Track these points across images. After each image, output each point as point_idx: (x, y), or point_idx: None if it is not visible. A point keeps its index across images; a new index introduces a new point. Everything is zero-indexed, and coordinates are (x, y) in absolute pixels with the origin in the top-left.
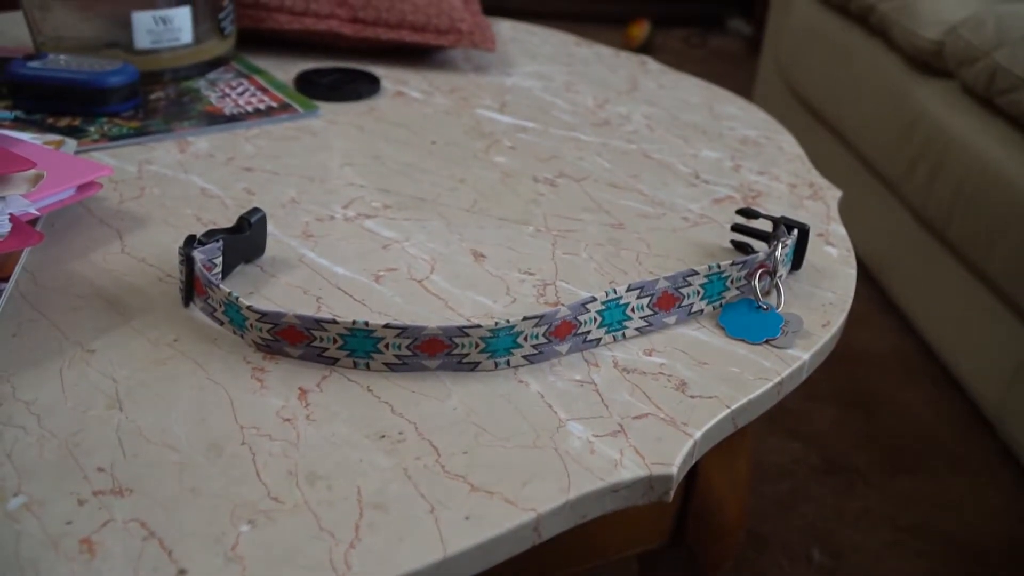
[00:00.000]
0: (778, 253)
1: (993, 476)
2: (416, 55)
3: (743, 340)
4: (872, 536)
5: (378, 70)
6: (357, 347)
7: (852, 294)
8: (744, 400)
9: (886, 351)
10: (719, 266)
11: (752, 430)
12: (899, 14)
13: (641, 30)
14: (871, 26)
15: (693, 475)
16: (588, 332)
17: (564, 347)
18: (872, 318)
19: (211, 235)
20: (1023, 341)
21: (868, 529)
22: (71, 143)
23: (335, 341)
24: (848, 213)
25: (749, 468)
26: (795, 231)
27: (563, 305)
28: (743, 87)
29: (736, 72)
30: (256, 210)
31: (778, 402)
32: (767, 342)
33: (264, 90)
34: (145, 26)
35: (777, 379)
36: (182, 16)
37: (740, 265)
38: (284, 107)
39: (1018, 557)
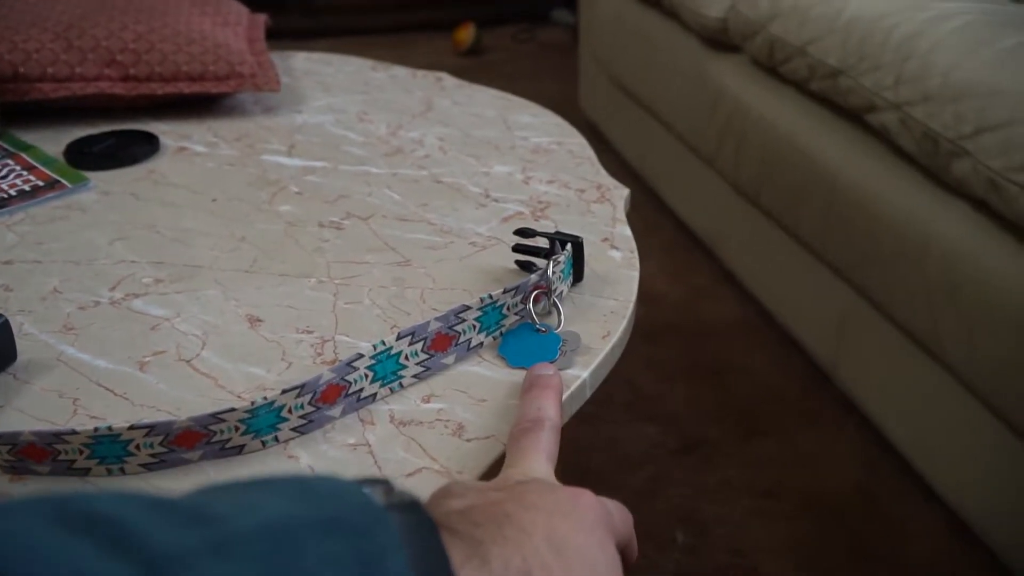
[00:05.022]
0: (550, 272)
1: (838, 426)
2: (201, 105)
3: (523, 368)
4: (733, 506)
5: (160, 126)
6: (107, 453)
7: (634, 297)
8: None
9: (730, 321)
10: (491, 296)
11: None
12: None
13: (467, 33)
14: (664, 9)
15: None
16: (361, 390)
17: (337, 410)
18: (715, 290)
19: None
20: (841, 294)
21: (728, 500)
22: None
23: (81, 451)
24: (678, 192)
25: None
26: (568, 245)
27: (326, 369)
28: (572, 76)
29: (565, 62)
30: None
31: (635, 388)
32: None
33: (31, 168)
34: None
35: None
36: None
37: (513, 291)
38: (51, 184)
39: (867, 502)
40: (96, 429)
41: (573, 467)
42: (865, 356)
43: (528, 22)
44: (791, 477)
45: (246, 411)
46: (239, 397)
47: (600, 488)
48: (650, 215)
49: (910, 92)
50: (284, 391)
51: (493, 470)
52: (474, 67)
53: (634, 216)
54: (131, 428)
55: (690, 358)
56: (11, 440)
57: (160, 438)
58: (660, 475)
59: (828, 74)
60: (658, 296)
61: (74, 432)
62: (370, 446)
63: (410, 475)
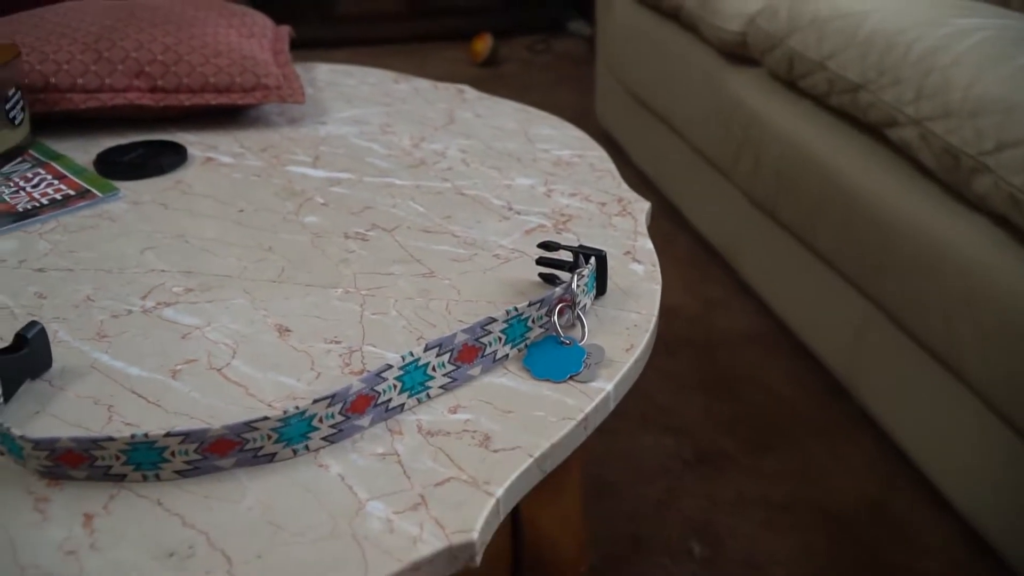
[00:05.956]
0: (575, 285)
1: (853, 439)
2: (227, 115)
3: (548, 380)
4: (746, 519)
5: (187, 137)
6: (142, 460)
7: (656, 310)
8: (547, 445)
9: (746, 333)
10: (517, 309)
11: (590, 451)
12: (703, 10)
13: (484, 44)
14: (682, 22)
15: (519, 522)
16: (389, 400)
17: (366, 420)
18: (731, 302)
19: None
20: (858, 306)
21: (742, 513)
22: None
23: (118, 457)
24: (694, 204)
25: (579, 502)
26: (592, 259)
27: (356, 379)
28: (588, 87)
29: (580, 73)
30: (33, 324)
31: (651, 400)
32: (571, 378)
33: (62, 177)
34: None
35: (581, 416)
36: None
37: (538, 304)
38: (82, 194)
39: (881, 514)
40: (133, 436)
41: (590, 479)
42: (881, 368)
43: (544, 33)
44: (806, 489)
45: (279, 420)
46: (270, 406)
47: (615, 499)
48: (666, 227)
49: (931, 107)
50: (315, 400)
51: (522, 480)
52: (490, 78)
53: (650, 228)
54: (167, 435)
55: (706, 370)
56: (48, 446)
57: (195, 445)
58: (675, 487)
59: (848, 88)
60: (674, 308)
61: (111, 439)
62: (399, 456)
63: (438, 485)
